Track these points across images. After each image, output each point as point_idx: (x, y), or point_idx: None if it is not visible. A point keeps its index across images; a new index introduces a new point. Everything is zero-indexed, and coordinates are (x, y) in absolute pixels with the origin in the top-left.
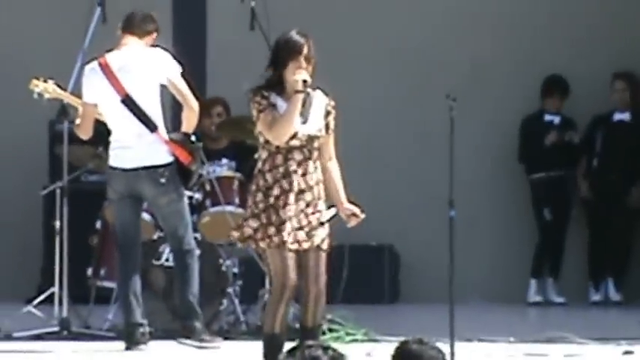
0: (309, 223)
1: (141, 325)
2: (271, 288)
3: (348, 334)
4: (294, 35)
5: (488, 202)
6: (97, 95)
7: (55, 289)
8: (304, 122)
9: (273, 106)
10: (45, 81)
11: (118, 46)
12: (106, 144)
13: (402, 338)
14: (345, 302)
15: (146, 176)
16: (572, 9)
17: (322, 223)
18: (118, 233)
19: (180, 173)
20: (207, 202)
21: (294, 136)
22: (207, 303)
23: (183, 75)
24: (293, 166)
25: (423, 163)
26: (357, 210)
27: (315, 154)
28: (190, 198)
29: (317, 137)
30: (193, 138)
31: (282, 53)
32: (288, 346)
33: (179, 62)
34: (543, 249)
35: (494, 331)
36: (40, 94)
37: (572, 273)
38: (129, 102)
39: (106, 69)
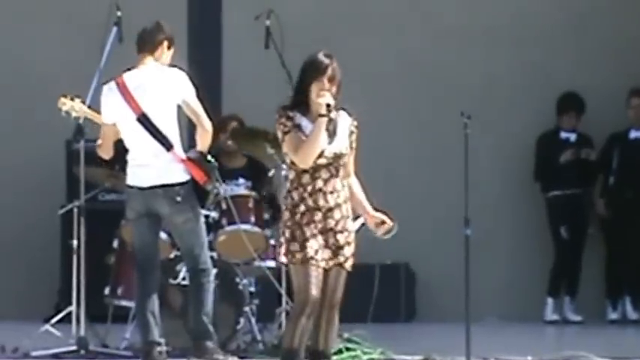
0: (337, 241)
1: (158, 344)
2: (293, 303)
3: (364, 352)
4: (320, 56)
5: (505, 221)
6: (114, 114)
7: (73, 308)
8: (331, 142)
9: (298, 126)
10: (72, 99)
11: (136, 66)
12: (123, 163)
13: (418, 357)
14: (362, 321)
15: (162, 194)
16: (587, 25)
17: (348, 243)
18: (136, 252)
19: (196, 192)
20: (224, 221)
21: (320, 155)
22: (224, 322)
23: (197, 95)
24: (319, 184)
25: (439, 181)
26: (385, 217)
27: (342, 172)
28: (207, 217)
29: (343, 155)
30: (210, 157)
31: (307, 74)
32: None
33: (193, 84)
34: (560, 267)
35: (511, 349)
36: (67, 112)
37: (590, 291)
38: (144, 120)
39: (122, 88)
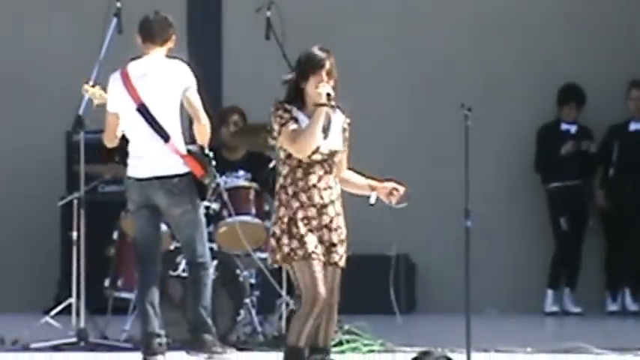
0: (330, 239)
1: (158, 335)
2: (301, 301)
3: (364, 344)
4: (316, 50)
5: (505, 212)
6: (117, 103)
7: (73, 299)
8: (325, 137)
9: (295, 119)
10: (93, 86)
11: (141, 55)
12: (124, 154)
13: (419, 349)
14: (362, 313)
15: (159, 186)
16: (587, 18)
17: (342, 241)
18: (137, 244)
19: (197, 184)
20: (224, 213)
21: (316, 151)
22: (224, 314)
23: (197, 87)
24: (313, 180)
25: (439, 173)
26: (394, 184)
27: (335, 169)
28: (207, 208)
29: (338, 152)
30: (207, 152)
31: (304, 67)
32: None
33: (195, 76)
34: (560, 259)
35: (511, 341)
36: (90, 99)
37: (589, 283)
38: (143, 110)
39: (125, 77)
